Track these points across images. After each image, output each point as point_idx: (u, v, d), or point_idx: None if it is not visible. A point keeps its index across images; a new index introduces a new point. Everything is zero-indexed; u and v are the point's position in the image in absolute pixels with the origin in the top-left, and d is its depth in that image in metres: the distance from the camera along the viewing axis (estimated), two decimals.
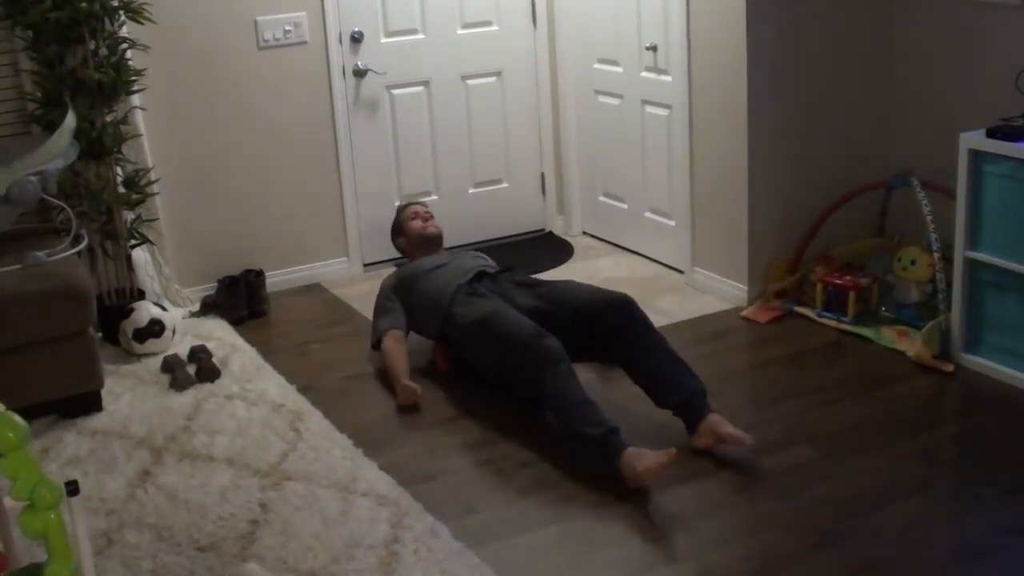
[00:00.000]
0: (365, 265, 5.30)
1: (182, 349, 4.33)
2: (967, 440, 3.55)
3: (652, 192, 5.15)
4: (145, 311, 4.34)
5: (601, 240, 5.58)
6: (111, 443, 3.67)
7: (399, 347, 4.07)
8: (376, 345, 4.17)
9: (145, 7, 4.32)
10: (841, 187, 4.62)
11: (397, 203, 4.87)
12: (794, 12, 4.40)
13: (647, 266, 5.19)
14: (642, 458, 3.21)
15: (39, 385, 3.73)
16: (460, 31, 5.33)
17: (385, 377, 4.07)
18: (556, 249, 5.50)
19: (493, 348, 3.73)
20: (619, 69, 5.20)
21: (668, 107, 4.89)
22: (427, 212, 4.75)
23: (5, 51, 4.36)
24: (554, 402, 3.49)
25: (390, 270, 5.27)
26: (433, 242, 4.61)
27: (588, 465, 3.41)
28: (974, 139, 3.79)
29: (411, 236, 4.64)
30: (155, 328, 4.32)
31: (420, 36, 5.25)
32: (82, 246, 4.04)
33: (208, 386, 4.06)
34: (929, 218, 4.15)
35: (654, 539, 3.06)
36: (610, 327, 3.72)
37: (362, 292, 5.00)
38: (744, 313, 4.52)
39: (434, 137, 5.37)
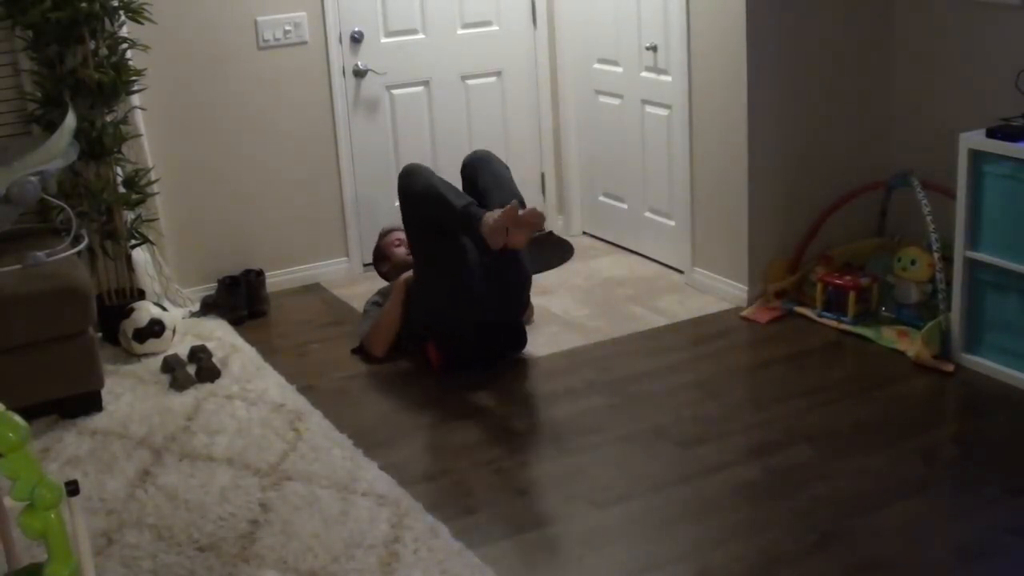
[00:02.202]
0: (365, 265, 5.30)
1: (182, 349, 4.33)
2: (967, 440, 3.55)
3: (652, 192, 5.15)
4: (145, 311, 4.34)
5: (601, 240, 5.58)
6: (111, 443, 3.67)
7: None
8: (358, 349, 4.33)
9: (145, 7, 4.32)
10: (841, 187, 4.62)
11: (381, 228, 4.87)
12: (794, 12, 4.40)
13: (647, 266, 5.19)
14: (494, 215, 3.79)
15: (39, 385, 3.73)
16: (460, 31, 5.33)
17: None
18: (556, 249, 5.50)
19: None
20: (619, 69, 5.20)
21: (668, 107, 4.89)
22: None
23: (5, 51, 4.36)
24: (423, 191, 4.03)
25: None
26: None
27: (588, 465, 3.41)
28: (974, 139, 3.79)
29: (396, 262, 4.62)
30: (155, 328, 4.32)
31: (420, 36, 5.25)
32: (82, 246, 4.04)
33: (208, 386, 4.06)
34: (929, 218, 4.15)
35: (654, 539, 3.06)
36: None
37: (362, 292, 5.00)
38: (744, 313, 4.52)
39: (434, 137, 5.37)
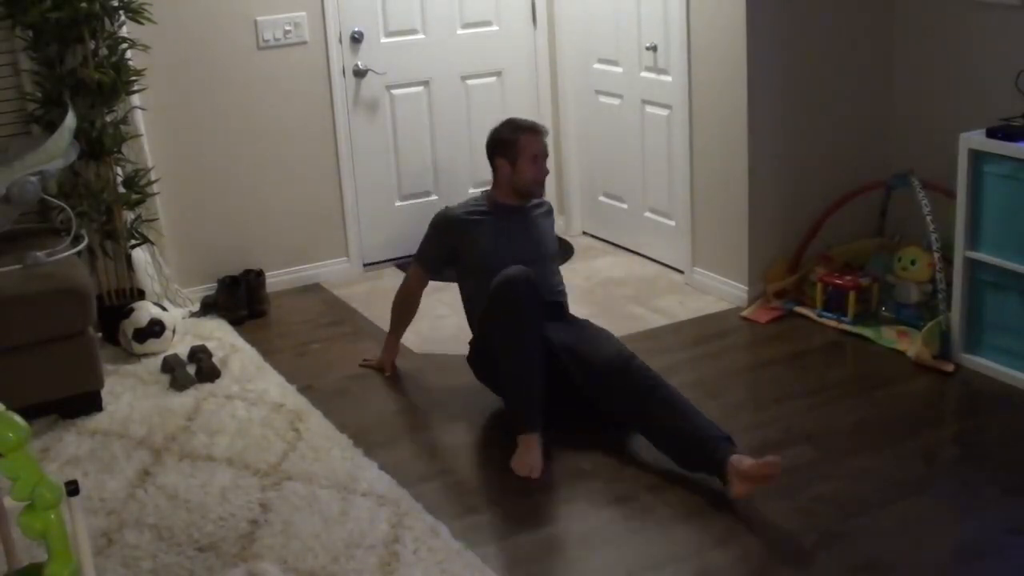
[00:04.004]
0: (365, 265, 5.30)
1: (182, 349, 4.33)
2: (967, 440, 3.55)
3: (652, 192, 5.15)
4: (145, 311, 4.34)
5: (601, 240, 5.58)
6: (111, 443, 3.67)
7: (411, 300, 4.10)
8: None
9: (145, 7, 4.32)
10: (841, 187, 4.62)
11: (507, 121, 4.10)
12: (794, 12, 4.40)
13: (647, 266, 5.19)
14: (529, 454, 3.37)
15: (39, 385, 3.73)
16: (460, 31, 5.33)
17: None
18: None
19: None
20: (619, 69, 5.20)
21: (668, 107, 4.89)
22: (547, 156, 4.01)
23: (5, 51, 4.36)
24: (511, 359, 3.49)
25: (390, 270, 5.29)
26: (536, 195, 4.02)
27: (588, 465, 3.41)
28: (974, 139, 3.79)
29: (522, 174, 3.89)
30: (155, 328, 4.32)
31: (420, 36, 5.25)
32: (82, 246, 4.04)
33: (208, 386, 4.06)
34: (929, 218, 4.15)
35: (654, 539, 3.06)
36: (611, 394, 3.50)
37: (362, 292, 5.00)
38: (744, 313, 4.52)
39: (434, 137, 5.37)
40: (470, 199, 4.11)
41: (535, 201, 4.02)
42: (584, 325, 3.81)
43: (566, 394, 3.58)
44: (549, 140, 4.03)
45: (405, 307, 4.14)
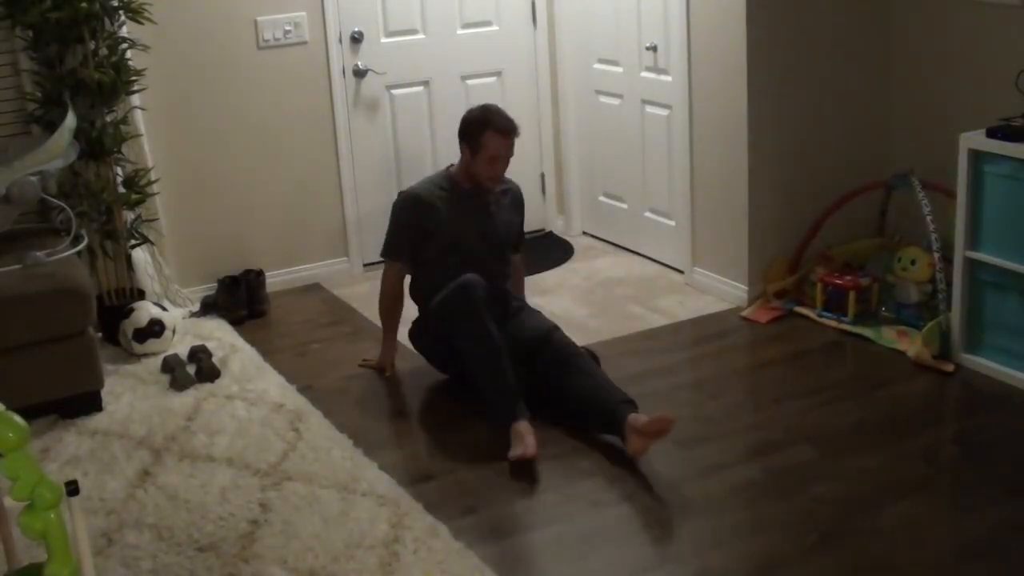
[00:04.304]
0: (365, 265, 5.30)
1: (182, 349, 4.33)
2: (967, 440, 3.55)
3: (652, 192, 5.15)
4: (145, 311, 4.34)
5: (601, 240, 5.58)
6: (111, 443, 3.67)
7: (394, 298, 4.13)
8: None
9: (145, 7, 4.32)
10: (841, 187, 4.62)
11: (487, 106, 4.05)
12: (794, 12, 4.40)
13: (647, 266, 5.19)
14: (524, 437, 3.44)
15: (39, 385, 3.73)
16: (460, 31, 5.33)
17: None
18: (556, 249, 5.50)
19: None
20: (619, 69, 5.20)
21: (668, 107, 4.89)
22: (509, 157, 3.98)
23: (5, 51, 4.36)
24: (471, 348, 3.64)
25: None
26: (486, 190, 4.02)
27: (588, 465, 3.41)
28: (974, 139, 3.79)
29: (478, 167, 3.93)
30: (155, 328, 4.32)
31: (420, 36, 5.25)
32: (82, 246, 4.04)
33: (208, 386, 4.06)
34: (929, 218, 4.15)
35: (654, 539, 3.06)
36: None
37: (362, 292, 5.00)
38: (744, 313, 4.52)
39: (434, 137, 5.36)
40: (430, 177, 4.15)
41: (502, 185, 4.06)
42: (518, 308, 3.99)
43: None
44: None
45: (390, 306, 4.15)
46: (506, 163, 3.96)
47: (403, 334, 4.19)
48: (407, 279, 4.14)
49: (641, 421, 3.36)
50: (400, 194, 4.12)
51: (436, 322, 3.87)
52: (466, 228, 3.96)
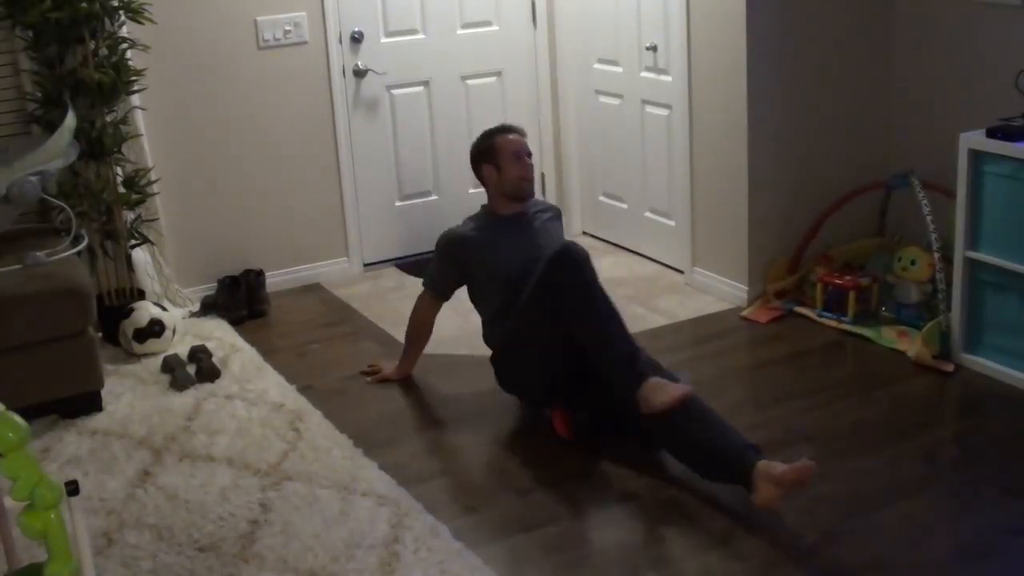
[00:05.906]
0: (365, 265, 5.30)
1: (182, 349, 4.33)
2: (967, 440, 3.55)
3: (652, 192, 5.15)
4: (145, 311, 4.34)
5: (601, 240, 5.58)
6: (111, 443, 3.67)
7: (425, 327, 4.02)
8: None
9: (145, 7, 4.32)
10: (841, 187, 4.62)
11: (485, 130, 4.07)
12: (794, 12, 4.40)
13: (647, 266, 5.19)
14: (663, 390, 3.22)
15: (39, 385, 3.73)
16: (460, 31, 5.33)
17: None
18: None
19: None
20: (619, 69, 5.20)
21: (668, 107, 4.89)
22: (529, 154, 3.94)
23: (5, 51, 4.36)
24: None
25: (390, 270, 5.29)
26: (526, 194, 3.95)
27: (588, 465, 3.41)
28: (974, 139, 3.79)
29: (507, 175, 3.87)
30: (155, 328, 4.32)
31: (420, 36, 5.25)
32: (82, 246, 4.04)
33: (208, 386, 4.06)
34: (929, 218, 4.15)
35: (654, 539, 3.06)
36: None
37: (362, 292, 5.00)
38: (744, 313, 4.52)
39: (434, 137, 5.37)
40: (469, 218, 4.03)
41: (539, 206, 4.02)
42: None
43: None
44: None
45: (419, 334, 4.06)
46: (529, 159, 3.90)
47: (455, 355, 4.09)
48: (479, 323, 3.95)
49: (778, 470, 3.00)
50: (442, 234, 3.97)
51: (544, 295, 3.47)
52: (520, 251, 3.77)
